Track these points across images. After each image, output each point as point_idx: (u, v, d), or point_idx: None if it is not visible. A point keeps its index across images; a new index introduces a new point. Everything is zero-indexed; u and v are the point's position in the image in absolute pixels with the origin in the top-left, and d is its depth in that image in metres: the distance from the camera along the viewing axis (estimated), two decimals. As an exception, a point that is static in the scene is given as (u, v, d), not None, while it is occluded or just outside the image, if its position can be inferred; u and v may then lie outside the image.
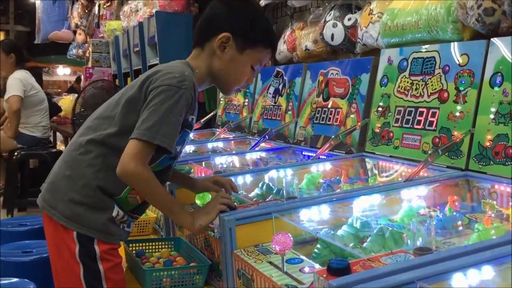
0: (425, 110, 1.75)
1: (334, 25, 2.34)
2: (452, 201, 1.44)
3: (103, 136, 1.32)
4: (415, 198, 1.48)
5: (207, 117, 3.37)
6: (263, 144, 2.51)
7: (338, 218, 1.41)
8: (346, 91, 2.19)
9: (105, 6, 6.73)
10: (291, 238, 1.15)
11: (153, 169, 1.30)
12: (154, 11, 4.31)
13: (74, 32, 8.31)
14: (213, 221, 1.36)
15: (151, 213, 2.09)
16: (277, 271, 1.16)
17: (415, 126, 1.78)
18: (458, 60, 1.66)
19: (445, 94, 1.69)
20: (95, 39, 6.56)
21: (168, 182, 1.60)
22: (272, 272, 1.16)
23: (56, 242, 1.33)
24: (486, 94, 1.54)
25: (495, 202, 1.41)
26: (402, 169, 1.77)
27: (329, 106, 2.27)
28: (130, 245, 1.72)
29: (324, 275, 0.87)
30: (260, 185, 1.80)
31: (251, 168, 2.18)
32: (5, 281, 1.67)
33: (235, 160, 2.32)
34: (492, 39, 1.56)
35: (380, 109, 1.97)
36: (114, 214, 1.32)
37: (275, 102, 2.75)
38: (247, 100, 3.09)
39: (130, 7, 5.21)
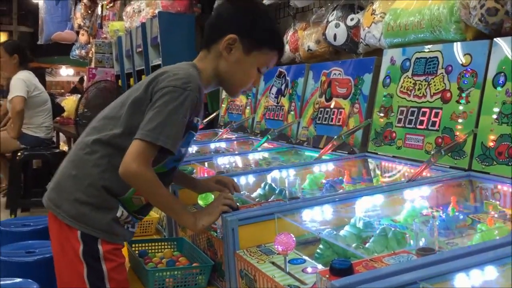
0: (428, 110, 1.75)
1: (337, 25, 2.34)
2: (455, 201, 1.44)
3: (109, 137, 1.32)
4: (418, 198, 1.48)
5: (209, 117, 3.37)
6: (265, 145, 2.52)
7: (340, 218, 1.41)
8: (348, 91, 2.19)
9: (108, 6, 6.75)
10: (294, 239, 1.15)
11: (157, 170, 1.30)
12: (157, 11, 4.32)
13: (77, 33, 8.33)
14: (215, 222, 1.36)
15: (154, 213, 2.09)
16: (279, 271, 1.16)
17: (418, 126, 1.77)
18: (461, 60, 1.66)
19: (448, 94, 1.68)
20: (98, 40, 6.58)
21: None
22: (274, 272, 1.16)
23: (60, 241, 1.34)
24: (489, 94, 1.54)
25: (498, 203, 1.41)
26: (405, 169, 1.77)
27: (331, 106, 2.27)
28: (133, 245, 1.72)
29: (327, 276, 0.87)
30: (262, 185, 1.80)
31: (253, 168, 2.18)
32: (8, 281, 1.68)
33: (238, 161, 2.32)
34: (495, 39, 1.56)
35: (382, 109, 1.96)
36: (119, 214, 1.32)
37: (277, 103, 2.75)
38: (249, 100, 3.10)
39: (133, 8, 5.22)
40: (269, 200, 1.62)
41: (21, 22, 13.64)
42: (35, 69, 4.78)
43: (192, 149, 2.64)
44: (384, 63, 2.02)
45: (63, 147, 6.06)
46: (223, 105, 3.43)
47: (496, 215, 1.35)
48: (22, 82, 4.11)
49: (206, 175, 2.04)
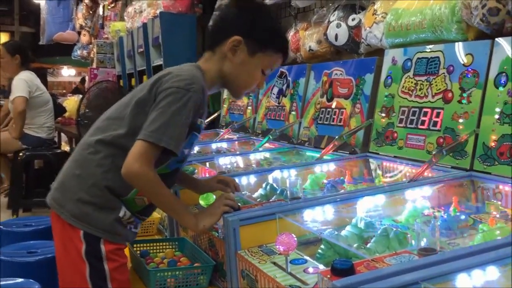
0: (429, 110, 1.75)
1: (338, 26, 2.34)
2: (456, 201, 1.44)
3: (113, 137, 1.33)
4: (419, 198, 1.48)
5: (211, 117, 3.37)
6: (267, 145, 2.52)
7: (342, 218, 1.41)
8: (350, 92, 2.19)
9: (109, 7, 6.75)
10: (295, 239, 1.15)
11: (160, 171, 1.30)
12: (158, 12, 4.32)
13: (79, 33, 8.35)
14: (217, 222, 1.36)
15: (155, 213, 2.09)
16: (281, 271, 1.16)
17: (420, 126, 1.77)
18: (463, 60, 1.66)
19: (450, 94, 1.68)
20: (99, 40, 6.58)
21: None
22: (276, 272, 1.16)
23: (63, 240, 1.34)
24: (490, 94, 1.54)
25: (499, 203, 1.41)
26: (406, 169, 1.77)
27: (333, 107, 2.27)
28: (135, 245, 1.73)
29: (328, 276, 0.87)
30: (264, 185, 1.80)
31: (255, 168, 2.18)
32: (10, 281, 1.68)
33: (239, 161, 2.33)
34: (496, 39, 1.56)
35: (384, 109, 1.96)
36: (121, 214, 1.32)
37: (279, 103, 2.75)
38: (251, 100, 3.10)
39: (134, 8, 5.23)
40: (271, 200, 1.62)
41: (23, 23, 13.66)
42: (36, 70, 4.78)
43: (194, 149, 2.64)
44: (385, 63, 2.02)
45: (65, 147, 6.06)
46: (224, 105, 3.44)
47: (497, 216, 1.34)
48: (24, 82, 4.12)
49: (207, 175, 2.04)
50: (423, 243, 0.97)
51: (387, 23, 2.01)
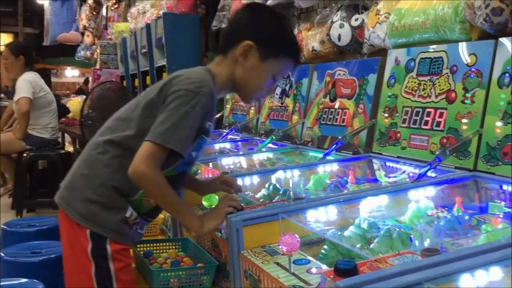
0: (432, 110, 1.75)
1: (341, 26, 2.33)
2: (460, 202, 1.43)
3: (121, 138, 1.33)
4: (423, 199, 1.48)
5: (213, 118, 3.37)
6: (269, 145, 2.52)
7: (345, 219, 1.41)
8: (353, 92, 2.18)
9: (112, 8, 6.77)
10: (298, 239, 1.15)
11: (167, 174, 1.31)
12: (161, 12, 4.33)
13: (82, 34, 8.37)
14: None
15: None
16: (284, 272, 1.16)
17: (423, 127, 1.77)
18: (466, 60, 1.66)
19: (453, 94, 1.68)
20: (103, 41, 6.60)
21: None
22: (279, 273, 1.16)
23: (70, 239, 1.35)
24: (494, 94, 1.53)
25: (503, 203, 1.40)
26: (409, 169, 1.76)
27: (336, 107, 2.27)
28: (138, 245, 1.73)
29: (331, 276, 0.87)
30: (267, 185, 1.80)
31: (258, 169, 2.18)
32: (14, 281, 1.68)
33: (242, 161, 2.33)
34: (500, 39, 1.55)
35: (387, 109, 1.96)
36: (128, 215, 1.33)
37: (282, 103, 2.75)
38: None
39: (138, 9, 5.24)
40: (274, 200, 1.62)
41: (27, 24, 13.72)
42: (40, 70, 4.80)
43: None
44: (388, 63, 2.02)
45: (69, 148, 6.07)
46: (227, 106, 3.44)
47: (501, 216, 1.34)
48: (27, 83, 4.13)
49: (210, 175, 2.04)
50: (426, 243, 0.97)
51: (390, 23, 2.01)
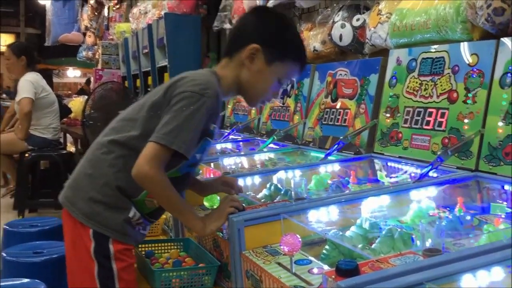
0: (434, 110, 1.75)
1: (343, 26, 2.33)
2: (461, 202, 1.43)
3: (126, 138, 1.34)
4: (424, 199, 1.48)
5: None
6: (271, 145, 2.52)
7: (346, 219, 1.41)
8: (354, 92, 2.18)
9: (114, 8, 6.79)
10: (300, 239, 1.15)
11: (171, 175, 1.31)
12: (163, 13, 4.34)
13: (84, 34, 8.39)
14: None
15: (160, 214, 2.10)
16: (285, 272, 1.16)
17: (424, 127, 1.77)
18: (468, 60, 1.65)
19: (455, 95, 1.68)
20: (104, 41, 6.61)
21: None
22: (280, 273, 1.16)
23: (73, 238, 1.36)
24: (496, 94, 1.53)
25: (505, 203, 1.40)
26: (411, 170, 1.76)
27: (337, 107, 2.27)
28: (140, 245, 1.73)
29: (333, 276, 0.87)
30: (268, 186, 1.80)
31: (259, 169, 2.18)
32: (16, 281, 1.69)
33: (244, 161, 2.33)
34: (501, 39, 1.55)
35: (389, 109, 1.96)
36: (131, 215, 1.33)
37: (283, 103, 2.75)
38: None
39: (139, 9, 5.25)
40: (275, 200, 1.62)
41: (29, 24, 13.74)
42: (42, 71, 4.81)
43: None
44: (390, 64, 2.01)
45: (70, 148, 6.09)
46: (229, 106, 3.44)
47: (503, 216, 1.34)
48: (29, 83, 4.14)
49: (212, 175, 2.04)
50: (428, 243, 0.97)
51: (392, 23, 2.01)
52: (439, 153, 1.61)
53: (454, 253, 0.95)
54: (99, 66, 6.40)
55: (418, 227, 1.23)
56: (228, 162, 2.27)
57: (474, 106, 1.60)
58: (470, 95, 1.62)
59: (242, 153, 2.58)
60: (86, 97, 5.25)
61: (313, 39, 2.60)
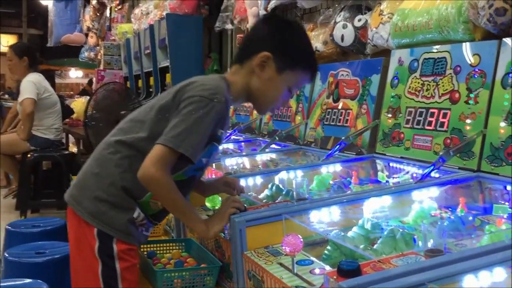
0: (436, 111, 1.74)
1: (344, 26, 2.33)
2: (463, 202, 1.43)
3: (133, 139, 1.34)
4: (426, 199, 1.48)
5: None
6: (273, 146, 2.52)
7: (348, 219, 1.41)
8: (356, 92, 2.18)
9: (116, 9, 6.79)
10: (301, 240, 1.15)
11: (176, 178, 1.32)
12: (164, 13, 4.34)
13: (86, 35, 8.39)
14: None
15: (162, 214, 2.10)
16: (287, 272, 1.16)
17: (426, 127, 1.77)
18: (470, 61, 1.65)
19: (457, 95, 1.67)
20: (106, 42, 6.62)
21: None
22: (282, 273, 1.16)
23: (78, 237, 1.36)
24: (498, 95, 1.53)
25: (507, 204, 1.40)
26: (413, 170, 1.76)
27: (339, 107, 2.27)
28: (142, 246, 1.73)
29: (335, 277, 0.87)
30: (269, 186, 1.80)
31: (261, 169, 2.18)
32: (18, 281, 1.69)
33: (246, 162, 2.33)
34: (503, 39, 1.55)
35: (390, 110, 1.96)
36: (135, 215, 1.34)
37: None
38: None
39: (141, 10, 5.26)
40: (277, 201, 1.62)
41: (31, 25, 13.76)
42: (44, 71, 4.81)
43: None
44: (392, 64, 2.01)
45: (72, 148, 6.09)
46: (230, 107, 3.44)
47: (505, 217, 1.34)
48: (32, 84, 4.15)
49: (214, 176, 2.04)
50: (430, 244, 0.96)
51: (394, 23, 2.01)
52: (441, 153, 1.61)
53: (456, 254, 0.95)
54: (101, 67, 6.40)
55: (420, 228, 1.23)
56: (230, 162, 2.27)
57: (476, 106, 1.59)
58: (472, 95, 1.61)
59: (244, 153, 2.58)
60: (88, 97, 5.26)
61: (314, 39, 2.60)
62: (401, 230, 1.25)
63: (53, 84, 6.46)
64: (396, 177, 1.79)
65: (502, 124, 1.49)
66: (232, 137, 2.96)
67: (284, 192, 1.71)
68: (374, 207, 1.44)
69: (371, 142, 2.03)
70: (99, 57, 7.10)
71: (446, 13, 1.74)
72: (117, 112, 3.70)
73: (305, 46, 1.45)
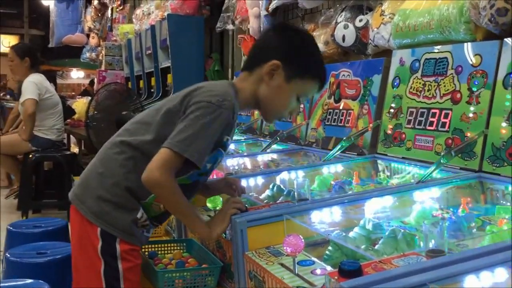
0: (437, 111, 1.74)
1: (345, 27, 2.33)
2: (465, 203, 1.43)
3: (139, 141, 1.35)
4: (427, 199, 1.47)
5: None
6: (274, 146, 2.52)
7: (349, 220, 1.41)
8: (357, 93, 2.18)
9: (117, 9, 6.80)
10: (303, 240, 1.15)
11: (181, 182, 1.32)
12: (166, 14, 4.35)
13: (88, 36, 8.41)
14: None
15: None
16: (288, 273, 1.16)
17: (428, 127, 1.76)
18: (471, 61, 1.65)
19: (458, 95, 1.67)
20: (108, 43, 6.62)
21: None
22: (283, 274, 1.16)
23: (80, 236, 1.37)
24: (499, 95, 1.53)
25: (509, 204, 1.40)
26: (414, 170, 1.76)
27: (340, 108, 2.26)
28: (143, 246, 1.73)
29: (336, 277, 0.87)
30: (271, 186, 1.80)
31: (262, 169, 2.18)
32: (19, 282, 1.69)
33: (247, 162, 2.33)
34: (505, 39, 1.55)
35: (392, 110, 1.96)
36: (139, 216, 1.35)
37: (286, 104, 2.75)
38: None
39: (143, 11, 5.26)
40: (278, 201, 1.62)
41: (32, 25, 13.78)
42: (46, 72, 4.83)
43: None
44: (393, 64, 2.01)
45: (74, 149, 6.10)
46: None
47: (506, 217, 1.33)
48: (33, 85, 4.16)
49: (215, 176, 2.04)
50: (431, 244, 0.96)
51: (395, 23, 2.01)
52: (442, 153, 1.61)
53: (457, 254, 0.95)
54: (103, 67, 6.41)
55: (421, 228, 1.23)
56: (231, 163, 2.27)
57: (478, 106, 1.59)
58: (473, 95, 1.61)
59: (245, 154, 2.58)
60: (89, 98, 5.27)
61: (316, 39, 2.59)
62: (402, 230, 1.24)
63: (54, 85, 6.47)
64: (397, 177, 1.79)
65: (504, 124, 1.49)
66: (234, 137, 2.95)
67: (285, 193, 1.71)
68: (376, 208, 1.44)
69: (373, 142, 2.03)
70: (100, 57, 7.11)
71: (448, 13, 1.74)
72: (119, 113, 3.70)
73: (314, 55, 1.45)
